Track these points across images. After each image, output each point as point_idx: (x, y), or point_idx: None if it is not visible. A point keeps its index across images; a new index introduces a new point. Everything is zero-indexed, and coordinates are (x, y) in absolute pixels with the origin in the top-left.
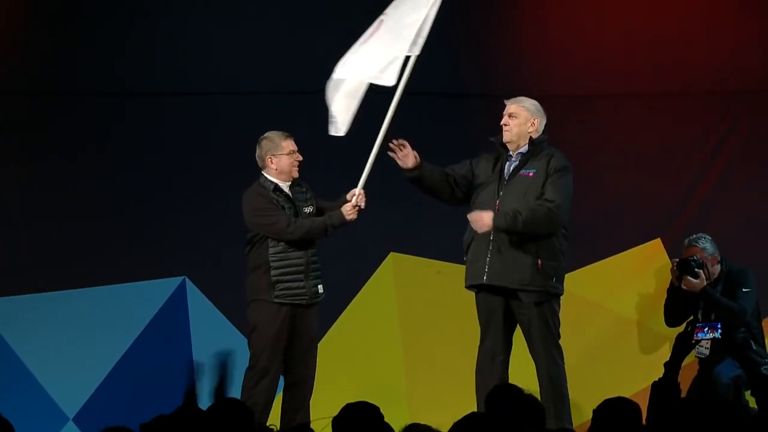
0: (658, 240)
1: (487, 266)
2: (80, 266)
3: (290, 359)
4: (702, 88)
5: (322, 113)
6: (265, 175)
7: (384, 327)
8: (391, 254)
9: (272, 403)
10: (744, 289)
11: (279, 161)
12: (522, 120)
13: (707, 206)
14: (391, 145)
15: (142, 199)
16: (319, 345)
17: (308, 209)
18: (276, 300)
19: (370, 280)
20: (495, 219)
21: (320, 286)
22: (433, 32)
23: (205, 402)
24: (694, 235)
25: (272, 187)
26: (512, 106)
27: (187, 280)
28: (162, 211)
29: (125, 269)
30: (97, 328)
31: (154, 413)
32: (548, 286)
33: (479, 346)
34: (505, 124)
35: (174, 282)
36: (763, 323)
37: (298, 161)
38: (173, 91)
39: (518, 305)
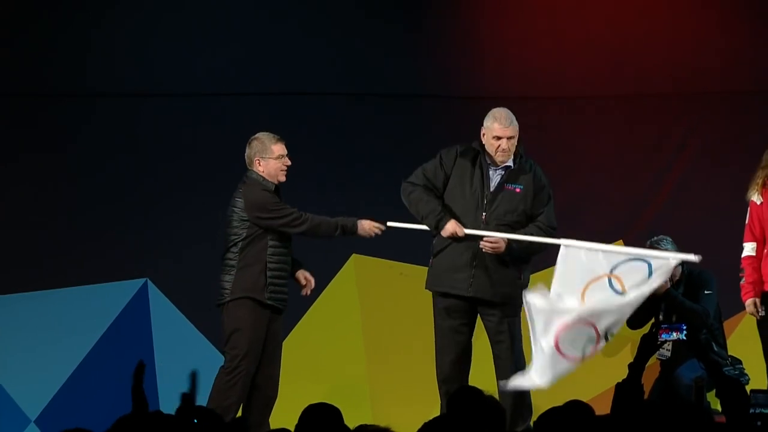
0: (620, 242)
1: (472, 278)
2: (41, 268)
3: (260, 361)
4: (660, 89)
5: (294, 117)
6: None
7: (346, 328)
8: (354, 256)
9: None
10: (706, 291)
11: (267, 164)
12: (516, 140)
13: (667, 208)
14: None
15: (104, 201)
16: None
17: None
18: (268, 301)
19: (332, 281)
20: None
21: None
22: (391, 34)
23: (169, 405)
24: (656, 237)
25: (273, 187)
26: (511, 129)
27: (149, 282)
28: (124, 213)
29: (87, 271)
30: (59, 330)
31: (116, 415)
32: (521, 296)
33: (443, 354)
34: (506, 149)
35: (136, 284)
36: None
37: (287, 166)
38: (140, 92)
39: (489, 315)
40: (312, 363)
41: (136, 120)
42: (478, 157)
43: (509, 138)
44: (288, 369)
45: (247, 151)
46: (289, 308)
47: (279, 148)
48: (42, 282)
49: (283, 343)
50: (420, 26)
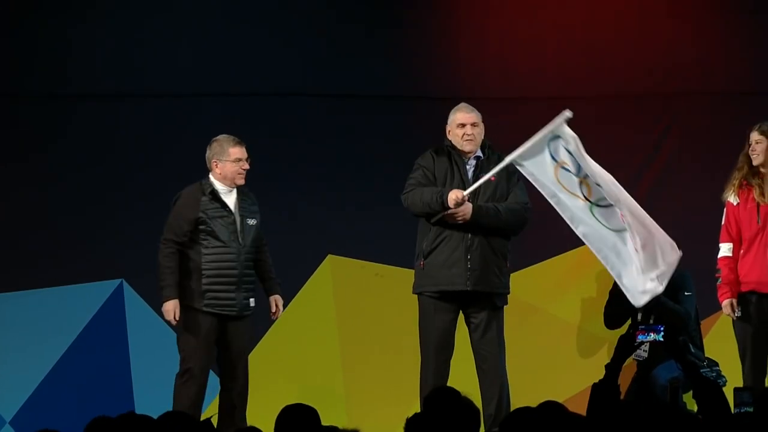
0: None
1: (468, 272)
2: (16, 269)
3: (221, 368)
4: (636, 90)
5: (276, 118)
6: (210, 177)
7: (322, 329)
8: (329, 256)
9: (200, 408)
10: (686, 293)
11: (224, 167)
12: (481, 128)
13: (643, 209)
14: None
15: (80, 202)
16: (257, 347)
17: (252, 221)
18: (205, 308)
19: (307, 282)
20: (474, 212)
21: (252, 300)
22: (371, 36)
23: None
24: None
25: (210, 190)
26: (473, 115)
27: (124, 282)
28: (100, 214)
29: (62, 272)
30: (34, 331)
31: (91, 416)
32: (509, 287)
33: (437, 355)
34: (471, 134)
35: (111, 285)
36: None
37: (244, 169)
38: (116, 94)
39: (482, 307)
40: (287, 364)
41: (114, 122)
42: (451, 154)
43: (473, 124)
44: (263, 370)
45: (207, 152)
46: (264, 309)
47: (236, 151)
48: (17, 283)
49: (258, 343)
50: (400, 28)
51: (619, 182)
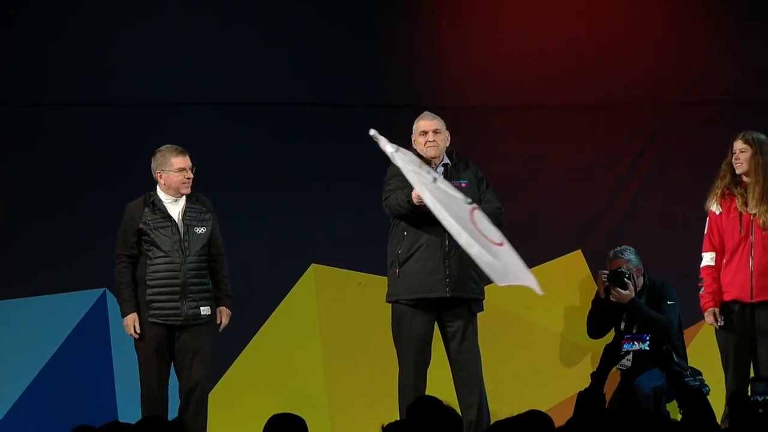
0: (579, 251)
1: (448, 278)
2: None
3: (178, 373)
4: (621, 98)
5: (254, 126)
6: (157, 188)
7: (305, 338)
8: (312, 266)
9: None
10: (668, 302)
11: (167, 177)
12: (444, 135)
13: (626, 217)
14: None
15: (62, 210)
16: (240, 355)
17: (201, 230)
18: (150, 319)
19: (291, 291)
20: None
21: (203, 308)
22: (354, 45)
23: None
24: (619, 247)
25: (151, 201)
26: (435, 122)
27: (107, 291)
28: (82, 222)
29: (45, 281)
30: (18, 340)
31: (74, 425)
32: (484, 293)
33: (415, 365)
34: (434, 141)
35: (95, 294)
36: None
37: (188, 178)
38: (94, 102)
39: (459, 314)
40: (270, 372)
41: (92, 130)
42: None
43: (435, 131)
44: (246, 379)
45: (152, 163)
46: (248, 318)
47: (179, 161)
48: (0, 292)
49: (242, 353)
50: (381, 37)
51: (602, 191)
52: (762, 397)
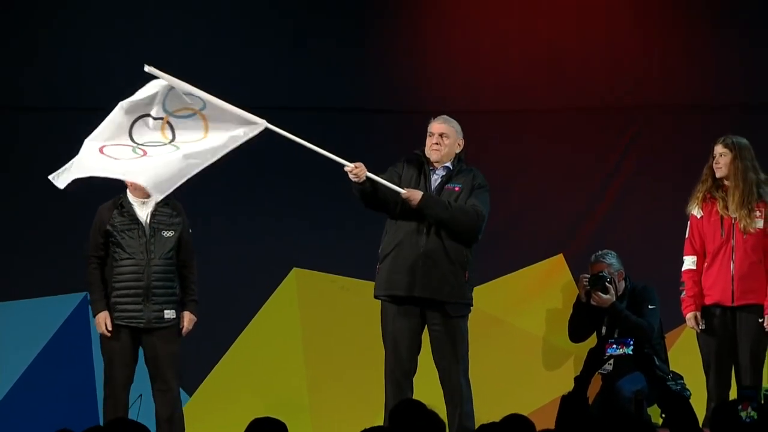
0: (561, 255)
1: (419, 278)
2: None
3: (151, 377)
4: (600, 103)
5: None
6: (127, 190)
7: (287, 342)
8: (294, 269)
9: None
10: (650, 306)
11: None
12: (452, 141)
13: (608, 222)
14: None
15: (43, 214)
16: (221, 360)
17: (168, 233)
18: (115, 321)
19: (273, 295)
20: (423, 199)
21: (167, 312)
22: (338, 50)
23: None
24: (601, 251)
25: (120, 203)
26: (443, 125)
27: (88, 295)
28: (63, 226)
29: (27, 285)
30: None
31: (56, 429)
32: (471, 298)
33: (392, 359)
34: (437, 144)
35: (76, 298)
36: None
37: None
38: (73, 106)
39: (438, 316)
40: (252, 377)
41: (72, 133)
42: (422, 162)
43: (441, 134)
44: (228, 383)
45: None
46: (230, 322)
47: None
48: None
49: (223, 357)
50: (366, 42)
51: (584, 195)
52: (746, 411)
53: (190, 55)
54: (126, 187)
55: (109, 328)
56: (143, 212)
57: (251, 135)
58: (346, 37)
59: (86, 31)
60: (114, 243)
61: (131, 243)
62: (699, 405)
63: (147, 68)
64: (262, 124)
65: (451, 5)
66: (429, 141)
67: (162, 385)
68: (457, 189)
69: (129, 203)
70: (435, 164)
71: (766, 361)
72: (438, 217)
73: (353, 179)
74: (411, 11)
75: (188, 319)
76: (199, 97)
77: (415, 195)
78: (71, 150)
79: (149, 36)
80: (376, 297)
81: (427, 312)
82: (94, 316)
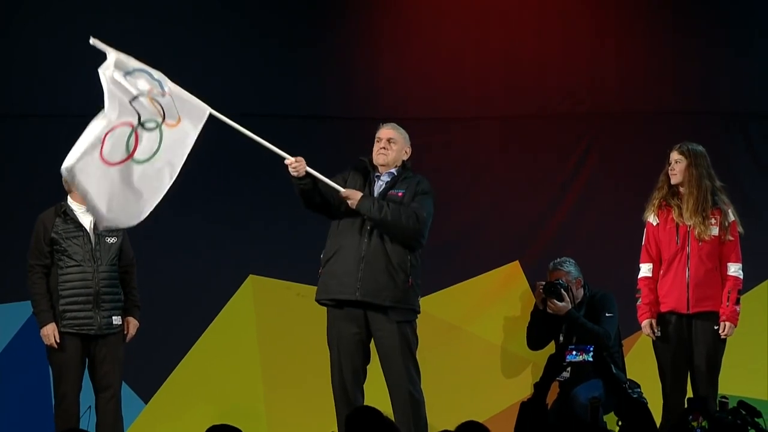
0: (517, 262)
1: (359, 282)
2: None
3: (94, 382)
4: (558, 110)
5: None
6: (68, 198)
7: (243, 349)
8: (251, 277)
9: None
10: (607, 314)
11: (74, 192)
12: (399, 146)
13: (564, 229)
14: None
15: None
16: (177, 367)
17: (111, 240)
18: (62, 329)
19: (229, 302)
20: (362, 200)
21: (115, 318)
22: (293, 56)
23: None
24: (559, 259)
25: (62, 210)
26: (391, 131)
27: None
28: (17, 234)
29: None
30: None
31: None
32: (416, 304)
33: (336, 364)
34: (384, 148)
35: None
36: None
37: None
38: (52, 113)
39: (381, 322)
40: (208, 383)
41: (52, 139)
42: (368, 169)
43: (388, 140)
44: (184, 391)
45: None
46: (186, 328)
47: None
48: None
49: (179, 364)
50: (322, 48)
51: (541, 202)
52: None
53: (155, 65)
54: (67, 194)
55: (57, 340)
56: (86, 219)
57: (199, 129)
58: (300, 42)
59: (67, 38)
60: (59, 251)
61: (78, 250)
62: (655, 412)
63: (92, 41)
64: (206, 110)
65: (407, 13)
66: (377, 146)
67: (108, 393)
68: (400, 194)
69: (72, 210)
70: (381, 168)
71: (721, 368)
72: (374, 217)
73: (293, 173)
74: (366, 18)
75: (133, 325)
76: (149, 73)
77: (354, 195)
78: (57, 157)
79: (122, 45)
80: (318, 302)
81: (370, 317)
82: (41, 328)
